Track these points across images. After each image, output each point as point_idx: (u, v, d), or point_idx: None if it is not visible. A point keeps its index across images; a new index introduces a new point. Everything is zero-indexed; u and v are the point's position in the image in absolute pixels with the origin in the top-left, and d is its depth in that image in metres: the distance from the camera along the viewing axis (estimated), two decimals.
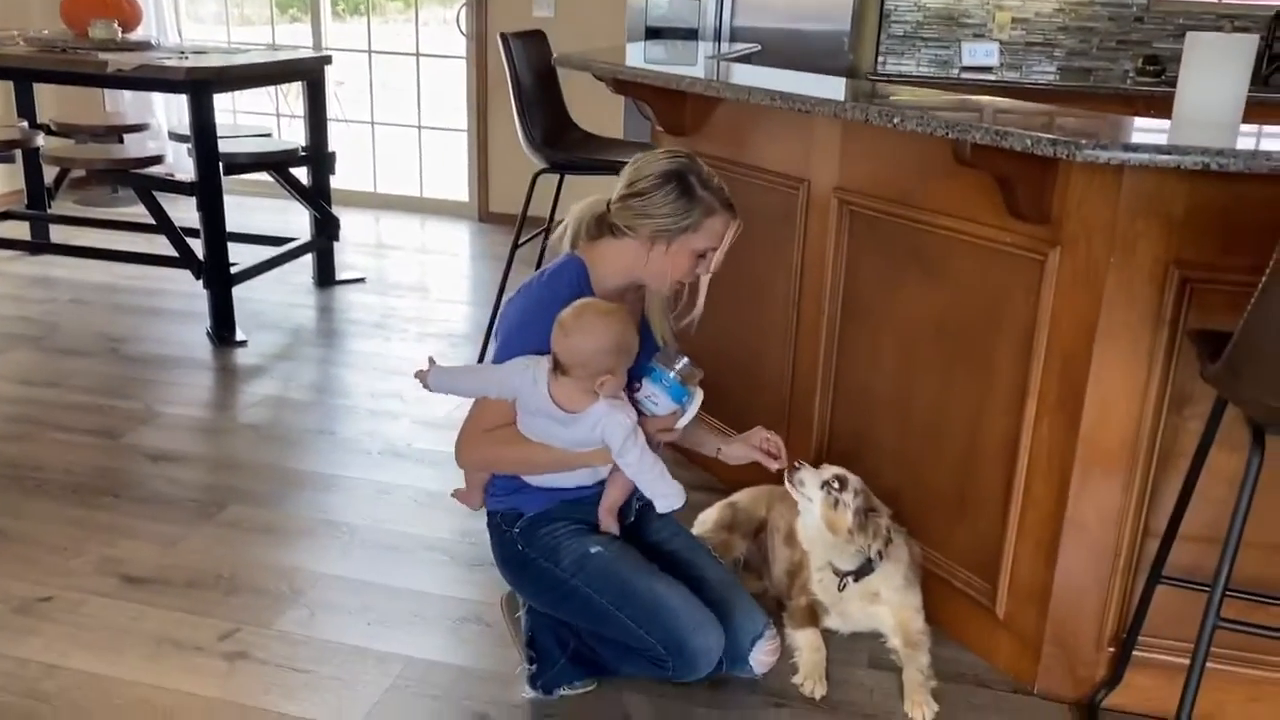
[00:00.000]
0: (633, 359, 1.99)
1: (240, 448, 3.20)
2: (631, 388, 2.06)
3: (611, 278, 2.06)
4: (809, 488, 2.22)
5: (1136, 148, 1.74)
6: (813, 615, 2.31)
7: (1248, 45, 2.09)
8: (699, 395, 2.07)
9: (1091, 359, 1.99)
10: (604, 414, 1.94)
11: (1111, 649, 2.14)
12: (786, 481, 2.24)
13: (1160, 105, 4.41)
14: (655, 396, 2.04)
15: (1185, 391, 1.96)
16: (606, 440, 1.95)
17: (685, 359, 2.06)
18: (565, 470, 2.05)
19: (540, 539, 2.09)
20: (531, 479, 2.10)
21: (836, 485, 2.21)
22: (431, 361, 2.08)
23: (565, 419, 1.95)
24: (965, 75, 5.13)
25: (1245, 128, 2.06)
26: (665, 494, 1.97)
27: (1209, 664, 1.69)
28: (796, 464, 2.25)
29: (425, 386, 2.04)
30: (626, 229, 2.01)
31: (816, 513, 2.22)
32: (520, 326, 2.03)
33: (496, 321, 2.12)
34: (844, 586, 2.26)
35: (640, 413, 2.02)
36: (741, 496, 2.63)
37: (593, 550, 2.05)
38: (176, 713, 2.05)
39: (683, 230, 1.98)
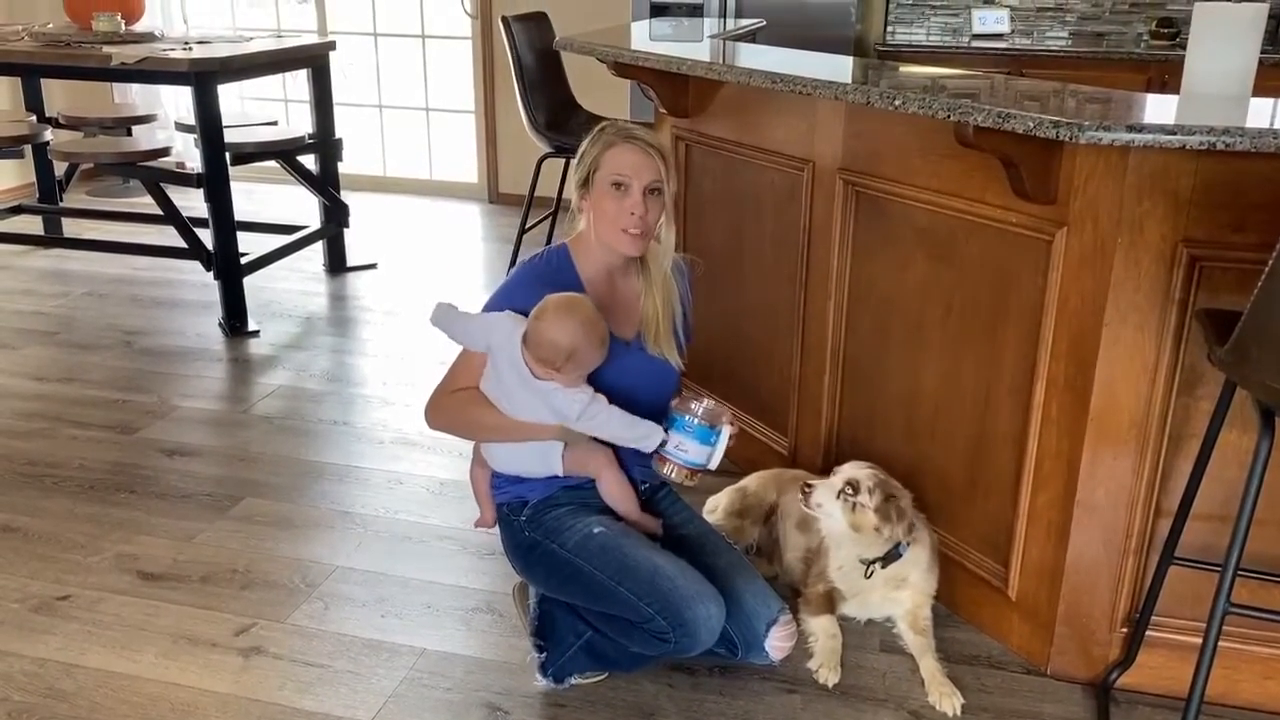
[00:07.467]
0: (582, 373, 2.00)
1: (254, 440, 3.22)
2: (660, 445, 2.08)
3: (588, 261, 2.12)
4: (826, 504, 2.21)
5: (1141, 128, 1.71)
6: (829, 602, 2.30)
7: (1257, 16, 2.05)
8: (725, 432, 2.07)
9: (1100, 340, 1.97)
10: (556, 388, 1.98)
11: (1124, 629, 2.13)
12: (803, 506, 2.24)
13: (1174, 70, 4.34)
14: (683, 445, 2.05)
15: (1196, 371, 1.94)
16: (563, 414, 1.99)
17: (706, 401, 2.08)
18: (512, 438, 2.08)
19: (545, 523, 2.11)
20: (493, 456, 2.14)
21: (850, 490, 2.19)
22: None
23: (528, 377, 1.99)
24: (976, 43, 5.06)
25: (1258, 101, 2.02)
26: (644, 435, 2.05)
27: (1222, 643, 1.67)
28: (807, 485, 2.24)
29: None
30: (578, 209, 2.12)
31: (841, 523, 2.21)
32: (496, 297, 2.12)
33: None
34: (871, 574, 2.24)
35: (673, 462, 2.06)
36: (751, 481, 2.63)
37: (596, 530, 2.06)
38: (193, 709, 2.07)
39: (593, 171, 2.05)
